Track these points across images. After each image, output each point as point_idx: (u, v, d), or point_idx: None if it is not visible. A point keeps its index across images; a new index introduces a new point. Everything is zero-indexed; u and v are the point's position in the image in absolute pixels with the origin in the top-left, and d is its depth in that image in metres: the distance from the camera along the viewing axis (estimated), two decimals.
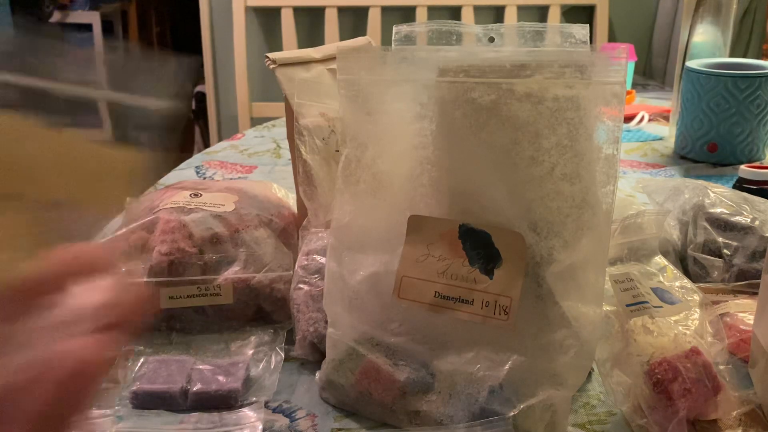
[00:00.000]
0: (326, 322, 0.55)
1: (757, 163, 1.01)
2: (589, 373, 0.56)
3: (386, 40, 0.83)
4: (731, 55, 1.14)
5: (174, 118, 0.24)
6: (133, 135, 0.24)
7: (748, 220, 0.68)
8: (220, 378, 0.54)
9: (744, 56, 1.68)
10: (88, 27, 3.04)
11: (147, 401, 0.53)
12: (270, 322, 0.63)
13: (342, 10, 2.00)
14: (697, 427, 0.50)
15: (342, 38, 1.97)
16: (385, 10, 1.99)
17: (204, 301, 0.61)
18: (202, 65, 2.15)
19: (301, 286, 0.60)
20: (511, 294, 0.47)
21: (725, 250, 0.67)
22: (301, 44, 2.02)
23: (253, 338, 0.61)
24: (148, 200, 0.67)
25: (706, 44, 1.11)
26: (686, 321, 0.55)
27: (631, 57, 1.44)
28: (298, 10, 2.00)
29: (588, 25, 0.50)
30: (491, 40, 0.51)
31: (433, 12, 2.01)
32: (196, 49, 2.17)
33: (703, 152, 1.05)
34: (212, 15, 2.15)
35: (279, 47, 2.02)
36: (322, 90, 0.68)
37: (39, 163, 0.21)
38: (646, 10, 2.14)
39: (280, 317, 0.63)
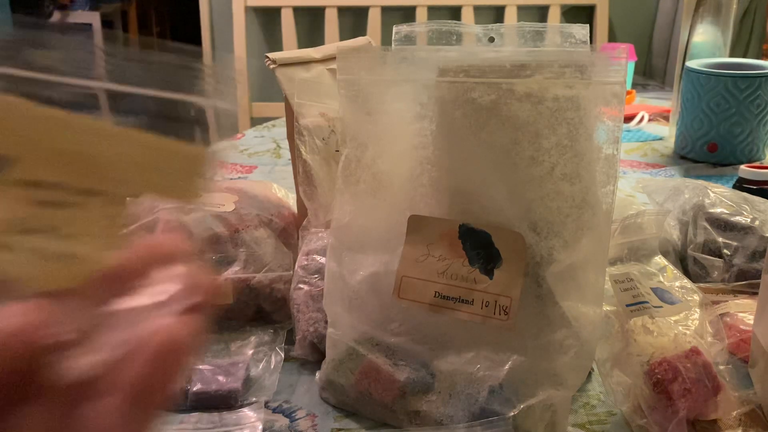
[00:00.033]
0: (326, 322, 0.55)
1: (757, 163, 1.01)
2: (589, 373, 0.56)
3: (386, 40, 0.83)
4: (731, 55, 1.14)
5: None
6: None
7: (748, 220, 0.68)
8: (220, 378, 0.54)
9: (744, 56, 1.68)
10: (88, 27, 3.04)
11: None
12: (270, 322, 0.63)
13: (342, 10, 2.00)
14: (697, 427, 0.50)
15: (342, 38, 1.97)
16: (385, 10, 1.99)
17: None
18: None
19: (301, 286, 0.60)
20: (511, 294, 0.47)
21: (725, 250, 0.67)
22: (301, 44, 2.02)
23: (253, 338, 0.61)
24: (148, 200, 0.67)
25: (706, 44, 1.11)
26: (686, 321, 0.55)
27: (631, 57, 1.44)
28: (298, 10, 2.00)
29: (588, 25, 0.50)
30: (491, 40, 0.51)
31: (433, 12, 2.01)
32: None
33: (703, 152, 1.05)
34: (212, 15, 2.15)
35: (279, 47, 2.02)
36: (322, 90, 0.68)
37: (116, 160, 0.23)
38: (646, 10, 2.14)
39: (280, 317, 0.63)
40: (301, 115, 0.66)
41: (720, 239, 0.68)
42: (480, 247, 0.48)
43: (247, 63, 1.99)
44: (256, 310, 0.63)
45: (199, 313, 0.23)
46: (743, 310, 0.60)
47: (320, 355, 0.57)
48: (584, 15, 2.08)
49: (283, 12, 1.98)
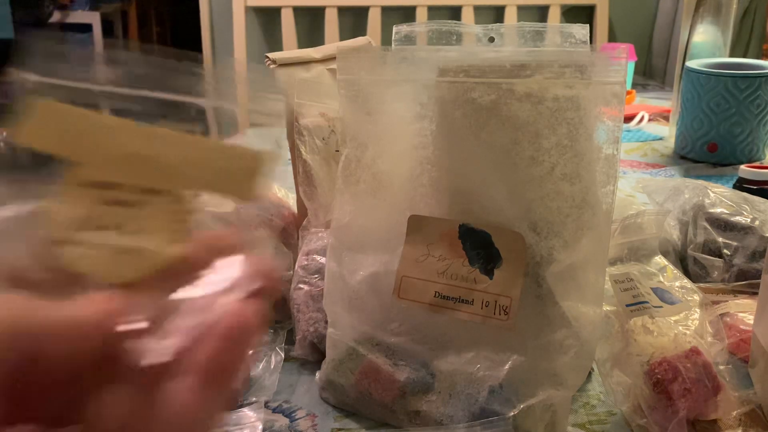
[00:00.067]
0: (326, 322, 0.55)
1: (757, 163, 1.01)
2: (589, 373, 0.56)
3: (386, 40, 0.83)
4: (731, 55, 1.14)
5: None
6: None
7: (748, 220, 0.68)
8: None
9: (744, 56, 1.68)
10: (88, 27, 3.04)
11: None
12: (270, 322, 0.63)
13: (342, 10, 2.00)
14: (697, 427, 0.50)
15: (342, 38, 1.97)
16: (385, 10, 1.99)
17: None
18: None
19: (301, 286, 0.60)
20: (511, 294, 0.47)
21: (725, 250, 0.67)
22: (301, 44, 2.02)
23: None
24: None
25: (706, 44, 1.11)
26: (686, 321, 0.55)
27: (631, 57, 1.44)
28: (298, 10, 2.00)
29: (588, 25, 0.50)
30: (491, 40, 0.51)
31: (433, 12, 2.01)
32: (196, 49, 2.16)
33: (703, 152, 1.05)
34: (212, 15, 2.15)
35: (279, 47, 2.01)
36: (322, 90, 0.68)
37: (177, 162, 0.25)
38: (646, 10, 2.14)
39: (280, 317, 0.63)
40: (301, 115, 0.66)
41: (720, 239, 0.68)
42: (480, 247, 0.48)
43: (247, 63, 1.99)
44: None
45: (261, 297, 0.24)
46: (743, 310, 0.60)
47: (320, 355, 0.57)
48: (584, 15, 2.08)
49: (283, 12, 1.98)
